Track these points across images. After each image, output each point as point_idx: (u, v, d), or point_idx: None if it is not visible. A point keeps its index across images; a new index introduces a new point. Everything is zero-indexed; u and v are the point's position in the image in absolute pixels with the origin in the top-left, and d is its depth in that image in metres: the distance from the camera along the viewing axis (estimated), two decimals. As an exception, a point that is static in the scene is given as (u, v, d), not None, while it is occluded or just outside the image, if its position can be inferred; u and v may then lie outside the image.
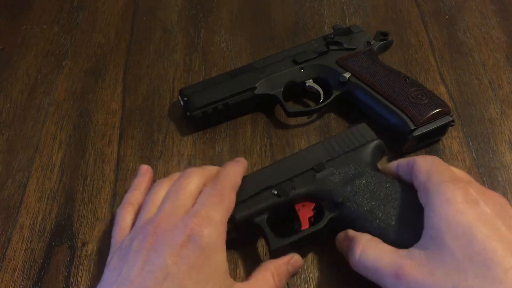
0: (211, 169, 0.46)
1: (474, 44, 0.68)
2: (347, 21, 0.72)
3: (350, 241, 0.42)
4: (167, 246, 0.38)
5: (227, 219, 0.41)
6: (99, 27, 0.74)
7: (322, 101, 0.60)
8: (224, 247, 0.40)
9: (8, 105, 0.65)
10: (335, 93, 0.59)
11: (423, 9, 0.74)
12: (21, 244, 0.51)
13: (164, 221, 0.40)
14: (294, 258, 0.44)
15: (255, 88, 0.60)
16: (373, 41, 0.63)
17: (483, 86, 0.63)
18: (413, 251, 0.37)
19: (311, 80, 0.61)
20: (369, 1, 0.75)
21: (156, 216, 0.41)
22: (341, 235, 0.44)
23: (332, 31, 0.66)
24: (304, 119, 0.61)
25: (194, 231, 0.38)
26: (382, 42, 0.64)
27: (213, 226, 0.39)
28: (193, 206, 0.41)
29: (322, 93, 0.61)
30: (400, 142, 0.55)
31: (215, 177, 0.44)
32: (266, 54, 0.66)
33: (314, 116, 0.61)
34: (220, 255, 0.39)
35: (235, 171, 0.45)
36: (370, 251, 0.39)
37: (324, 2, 0.76)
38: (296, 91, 0.62)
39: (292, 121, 0.61)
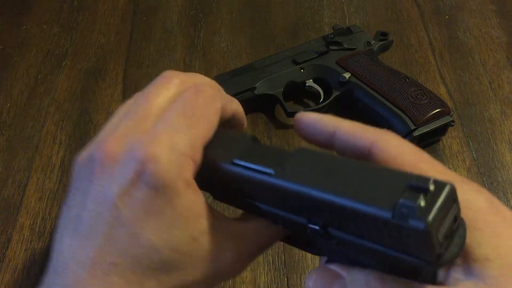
0: (198, 78, 0.33)
1: (474, 44, 0.68)
2: (347, 21, 0.72)
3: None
4: (115, 184, 0.28)
5: (199, 151, 0.29)
6: (99, 27, 0.74)
7: (322, 101, 0.60)
8: (195, 185, 0.29)
9: (8, 105, 0.65)
10: (335, 93, 0.59)
11: (423, 9, 0.74)
12: (21, 244, 0.51)
13: (113, 147, 0.29)
14: None
15: (255, 88, 0.60)
16: (373, 41, 0.63)
17: (483, 86, 0.63)
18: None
19: (311, 80, 0.61)
20: (369, 1, 0.75)
21: (106, 139, 0.30)
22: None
23: (332, 31, 0.66)
24: (304, 119, 0.61)
25: (146, 166, 0.27)
26: (382, 42, 0.64)
27: (175, 159, 0.27)
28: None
29: (322, 93, 0.61)
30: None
31: (194, 88, 0.31)
32: (266, 54, 0.66)
33: (314, 116, 0.61)
34: (189, 197, 0.28)
35: (222, 91, 0.33)
36: None
37: (324, 2, 0.76)
38: (296, 91, 0.62)
39: (292, 121, 0.61)
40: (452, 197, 0.21)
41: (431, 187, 0.20)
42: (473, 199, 0.24)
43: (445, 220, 0.20)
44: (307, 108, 0.61)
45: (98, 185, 0.28)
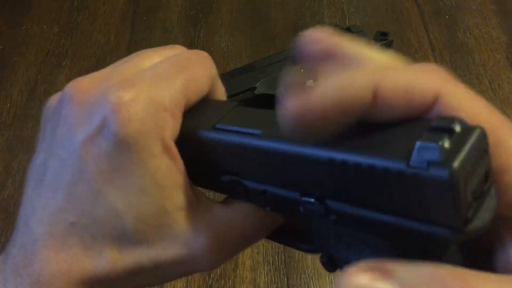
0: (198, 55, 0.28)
1: (474, 44, 0.68)
2: (347, 21, 0.72)
3: None
4: (80, 129, 0.24)
5: (181, 112, 0.24)
6: (99, 27, 0.74)
7: (322, 101, 0.60)
8: (174, 149, 0.24)
9: (8, 105, 0.65)
10: (335, 93, 0.59)
11: (423, 9, 0.74)
12: (21, 244, 0.51)
13: (85, 87, 0.25)
14: None
15: (255, 88, 0.60)
16: (373, 41, 0.63)
17: (483, 86, 0.63)
18: None
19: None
20: (369, 1, 0.75)
21: (81, 79, 0.26)
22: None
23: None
24: (304, 119, 0.61)
25: (115, 113, 0.23)
26: (382, 42, 0.64)
27: (152, 112, 0.23)
28: None
29: (322, 93, 0.61)
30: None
31: (193, 51, 0.28)
32: (266, 54, 0.66)
33: (314, 116, 0.61)
34: (165, 161, 0.24)
35: (210, 62, 0.28)
36: None
37: (324, 2, 0.76)
38: (296, 91, 0.62)
39: (292, 121, 0.61)
40: (483, 145, 0.16)
41: (457, 128, 0.16)
42: None
43: (474, 173, 0.16)
44: (307, 108, 0.61)
45: (64, 129, 0.25)
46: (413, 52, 0.68)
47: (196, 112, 0.25)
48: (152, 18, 0.75)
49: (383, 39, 0.64)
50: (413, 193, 0.16)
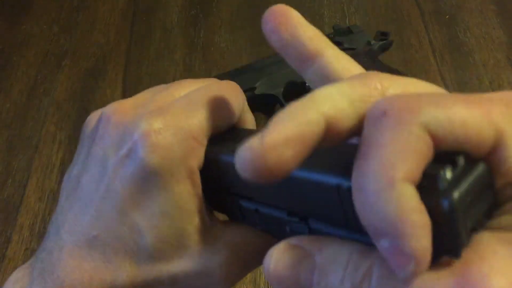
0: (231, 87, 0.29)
1: (474, 44, 0.68)
2: (347, 21, 0.72)
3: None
4: (113, 149, 0.25)
5: (205, 138, 0.25)
6: (99, 27, 0.74)
7: (322, 101, 0.60)
8: (198, 176, 0.25)
9: (8, 105, 0.65)
10: (335, 93, 0.59)
11: (424, 9, 0.74)
12: (21, 244, 0.51)
13: (124, 109, 0.27)
14: None
15: (255, 88, 0.60)
16: (373, 41, 0.63)
17: (483, 86, 0.63)
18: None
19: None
20: (369, 1, 0.75)
21: (122, 102, 0.28)
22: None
23: (332, 31, 0.66)
24: (304, 119, 0.61)
25: (143, 140, 0.24)
26: (382, 42, 0.64)
27: (181, 140, 0.24)
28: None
29: (322, 93, 0.60)
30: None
31: (221, 82, 0.29)
32: (266, 54, 0.66)
33: (314, 116, 0.61)
34: (188, 187, 0.25)
35: (240, 93, 0.29)
36: None
37: (324, 2, 0.76)
38: (296, 91, 0.62)
39: (292, 121, 0.61)
40: (487, 180, 0.16)
41: (461, 161, 0.15)
42: None
43: (476, 206, 0.16)
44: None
45: (99, 148, 0.26)
46: (413, 52, 0.68)
47: (221, 139, 0.26)
48: (152, 18, 0.75)
49: (383, 39, 0.64)
50: None
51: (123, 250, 0.25)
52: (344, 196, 0.18)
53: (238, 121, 0.28)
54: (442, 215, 0.15)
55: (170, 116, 0.25)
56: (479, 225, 0.16)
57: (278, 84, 0.60)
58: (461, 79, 0.64)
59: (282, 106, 0.59)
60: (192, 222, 0.25)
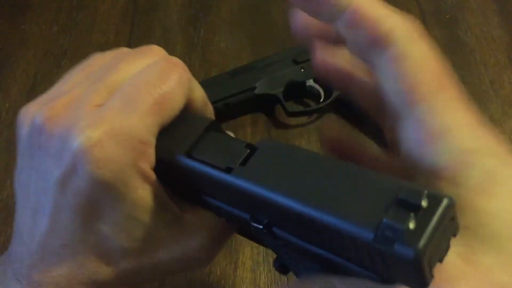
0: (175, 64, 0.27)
1: (475, 43, 0.68)
2: (347, 20, 0.72)
3: None
4: (55, 165, 0.24)
5: (152, 137, 0.24)
6: (99, 27, 0.74)
7: (323, 101, 0.60)
8: (153, 177, 0.24)
9: (7, 105, 0.64)
10: (336, 93, 0.59)
11: (424, 8, 0.73)
12: (20, 244, 0.51)
13: (56, 116, 0.24)
14: None
15: (255, 88, 0.60)
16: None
17: (484, 86, 0.63)
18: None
19: (311, 79, 0.61)
20: (370, 1, 0.75)
21: (53, 103, 0.25)
22: None
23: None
24: (304, 119, 0.61)
25: (86, 154, 0.22)
26: (382, 42, 0.63)
27: (127, 147, 0.22)
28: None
29: (322, 93, 0.60)
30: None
31: (168, 60, 0.27)
32: (266, 53, 0.65)
33: (315, 116, 0.61)
34: (145, 191, 0.24)
35: (185, 73, 0.27)
36: None
37: (325, 1, 0.75)
38: (296, 91, 0.62)
39: (293, 121, 0.61)
40: (450, 214, 0.16)
41: (424, 203, 0.16)
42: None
43: (440, 244, 0.16)
44: (307, 108, 0.60)
45: (40, 160, 0.25)
46: (413, 52, 0.67)
47: (170, 131, 0.25)
48: (151, 18, 0.75)
49: (383, 39, 0.64)
50: (375, 258, 0.17)
51: (95, 254, 0.25)
52: (325, 229, 0.18)
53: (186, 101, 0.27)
54: (408, 264, 0.16)
55: (109, 123, 0.23)
56: (444, 254, 0.17)
57: (278, 84, 0.60)
58: (462, 79, 0.63)
59: (283, 106, 0.59)
60: (160, 217, 0.25)
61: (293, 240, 0.21)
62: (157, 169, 0.24)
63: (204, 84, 0.60)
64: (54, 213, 0.24)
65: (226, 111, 0.59)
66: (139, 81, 0.25)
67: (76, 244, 0.25)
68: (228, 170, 0.22)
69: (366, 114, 0.62)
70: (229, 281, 0.49)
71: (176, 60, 0.27)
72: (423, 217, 0.16)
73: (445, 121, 0.20)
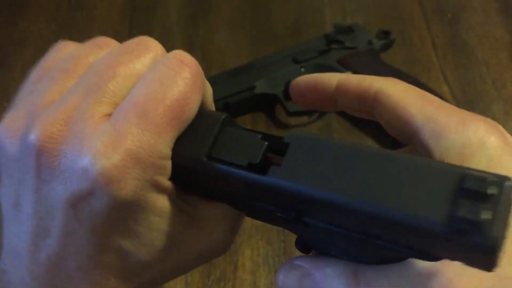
0: (182, 54, 0.25)
1: (477, 43, 0.68)
2: (348, 19, 0.72)
3: None
4: (63, 187, 0.21)
5: (169, 150, 0.22)
6: (97, 26, 0.74)
7: (323, 101, 0.59)
8: (170, 187, 0.23)
9: (5, 105, 0.64)
10: (337, 93, 0.59)
11: (426, 7, 0.73)
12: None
13: (56, 139, 0.22)
14: None
15: (255, 87, 0.59)
16: (375, 40, 0.63)
17: (486, 85, 0.63)
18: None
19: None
20: (371, 0, 0.74)
21: (41, 123, 0.22)
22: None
23: (334, 29, 0.65)
24: (305, 119, 0.60)
25: (105, 185, 0.21)
26: (383, 41, 0.63)
27: (143, 166, 0.21)
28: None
29: (323, 92, 0.60)
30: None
31: (178, 60, 0.24)
32: (266, 53, 0.65)
33: (315, 115, 0.60)
34: (164, 204, 0.23)
35: (200, 72, 0.25)
36: None
37: (326, 0, 0.75)
38: (296, 90, 0.61)
39: (293, 120, 0.60)
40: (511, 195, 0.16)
41: (490, 190, 0.16)
42: (487, 138, 0.21)
43: (507, 225, 0.16)
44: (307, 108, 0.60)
45: (40, 181, 0.22)
46: (415, 51, 0.67)
47: (185, 133, 0.23)
48: (150, 17, 0.74)
49: (384, 38, 0.63)
50: (441, 246, 0.17)
51: (113, 273, 0.24)
52: (381, 223, 0.18)
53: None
54: (483, 252, 0.16)
55: (128, 142, 0.21)
56: (507, 231, 0.17)
57: (278, 83, 0.60)
58: (464, 78, 0.63)
59: (283, 105, 0.59)
60: (178, 221, 0.24)
61: (328, 227, 0.20)
62: (173, 172, 0.23)
63: (204, 83, 0.60)
64: (64, 236, 0.23)
65: (226, 110, 0.58)
66: (151, 89, 0.22)
67: (92, 265, 0.23)
68: (250, 167, 0.21)
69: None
70: (229, 283, 0.48)
71: (187, 58, 0.25)
72: (492, 204, 0.16)
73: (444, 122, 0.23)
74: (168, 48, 0.77)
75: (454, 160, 0.21)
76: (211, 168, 0.22)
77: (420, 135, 0.23)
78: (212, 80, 0.62)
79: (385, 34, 0.64)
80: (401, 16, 0.72)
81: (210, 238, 0.26)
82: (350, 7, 0.73)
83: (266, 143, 0.22)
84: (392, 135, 0.26)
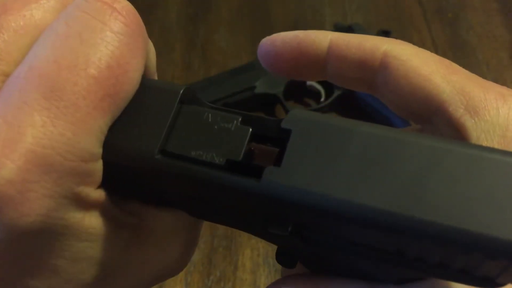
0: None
1: (477, 42, 0.67)
2: (348, 19, 0.71)
3: None
4: None
5: (99, 146, 0.15)
6: (97, 26, 0.73)
7: (324, 101, 0.59)
8: (103, 196, 0.16)
9: None
10: (337, 93, 0.59)
11: (426, 7, 0.73)
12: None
13: None
14: None
15: (255, 87, 0.59)
16: (375, 39, 0.63)
17: (486, 85, 0.63)
18: None
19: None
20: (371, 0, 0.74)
21: None
22: None
23: (333, 29, 0.65)
24: (305, 119, 0.60)
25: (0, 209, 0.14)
26: (384, 41, 0.63)
27: (55, 177, 0.14)
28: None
29: (323, 92, 0.60)
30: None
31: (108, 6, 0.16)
32: (266, 52, 0.65)
33: (315, 115, 0.60)
34: (97, 220, 0.17)
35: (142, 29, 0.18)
36: None
37: (326, 0, 0.75)
38: (296, 90, 0.61)
39: (293, 120, 0.60)
40: None
41: None
42: None
43: None
44: (308, 107, 0.60)
45: None
46: (415, 51, 0.67)
47: (123, 117, 0.16)
48: (150, 16, 0.74)
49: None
50: (492, 263, 0.12)
51: None
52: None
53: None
54: None
55: (30, 142, 0.13)
56: None
57: (278, 83, 0.59)
58: (464, 78, 0.63)
59: (283, 105, 0.59)
60: (115, 239, 0.17)
61: (341, 244, 0.15)
62: (105, 175, 0.16)
63: (204, 83, 0.60)
64: None
65: (226, 110, 0.58)
66: (63, 50, 0.14)
67: None
68: (230, 167, 0.15)
69: (368, 113, 0.61)
70: (229, 283, 0.48)
71: (119, 1, 0.16)
72: None
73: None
74: (169, 47, 0.77)
75: (497, 144, 0.17)
76: (166, 170, 0.15)
77: (449, 111, 0.18)
78: (212, 80, 0.62)
79: (385, 34, 0.64)
80: (401, 16, 0.72)
81: (161, 256, 0.19)
82: (350, 7, 0.73)
83: (250, 129, 0.15)
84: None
